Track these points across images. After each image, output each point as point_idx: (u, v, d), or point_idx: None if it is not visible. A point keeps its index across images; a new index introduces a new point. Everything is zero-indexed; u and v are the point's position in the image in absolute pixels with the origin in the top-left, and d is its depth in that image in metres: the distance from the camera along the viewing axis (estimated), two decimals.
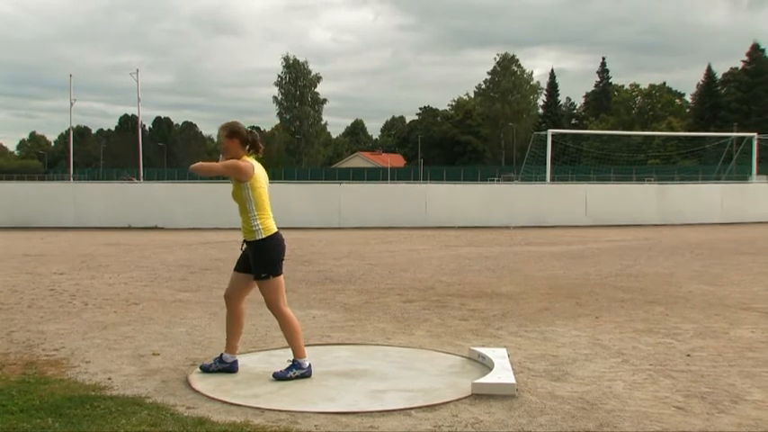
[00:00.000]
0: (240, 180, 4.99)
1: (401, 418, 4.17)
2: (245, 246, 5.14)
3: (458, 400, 4.51)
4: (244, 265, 5.18)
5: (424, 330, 6.72)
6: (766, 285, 9.68)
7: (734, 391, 4.75)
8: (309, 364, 5.07)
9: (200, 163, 5.16)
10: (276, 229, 5.13)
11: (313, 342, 6.18)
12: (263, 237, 5.02)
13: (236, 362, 5.20)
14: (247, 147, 5.08)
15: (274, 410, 4.29)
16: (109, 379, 4.96)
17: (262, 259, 5.03)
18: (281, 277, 5.09)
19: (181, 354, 5.76)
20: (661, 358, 5.65)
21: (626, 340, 6.29)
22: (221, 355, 5.20)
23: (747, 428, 4.04)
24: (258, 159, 5.20)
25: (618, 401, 4.50)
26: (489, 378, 4.77)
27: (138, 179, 43.17)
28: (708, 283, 9.88)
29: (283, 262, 5.14)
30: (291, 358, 5.07)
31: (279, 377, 4.98)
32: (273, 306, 5.09)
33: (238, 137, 5.05)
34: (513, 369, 5.00)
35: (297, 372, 5.00)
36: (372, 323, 7.07)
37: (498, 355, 5.29)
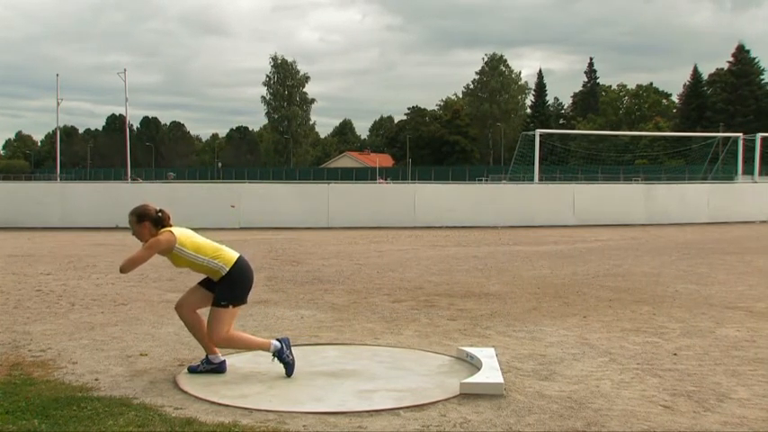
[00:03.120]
0: (168, 251, 5.00)
1: (389, 418, 4.17)
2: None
3: (446, 399, 4.52)
4: (208, 283, 5.19)
5: (412, 330, 6.72)
6: (751, 284, 9.75)
7: (720, 390, 4.78)
8: (223, 360, 5.18)
9: (123, 262, 5.08)
10: (237, 255, 5.19)
11: (301, 342, 6.18)
12: (228, 269, 5.07)
13: (223, 362, 5.19)
14: (159, 225, 5.07)
15: (262, 411, 4.28)
16: (96, 380, 4.94)
17: (226, 287, 5.07)
18: (238, 309, 5.16)
19: (169, 354, 5.74)
20: (648, 357, 5.68)
21: (613, 339, 6.33)
22: (207, 356, 5.20)
23: (733, 426, 4.07)
24: None
25: (605, 400, 4.53)
26: (477, 378, 4.78)
27: (134, 179, 43.03)
28: (694, 282, 9.95)
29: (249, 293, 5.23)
30: (271, 357, 5.11)
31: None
32: (216, 335, 5.06)
33: (148, 219, 5.05)
34: (501, 368, 5.01)
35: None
36: (361, 323, 7.07)
37: (486, 355, 5.31)
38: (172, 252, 5.02)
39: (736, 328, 6.87)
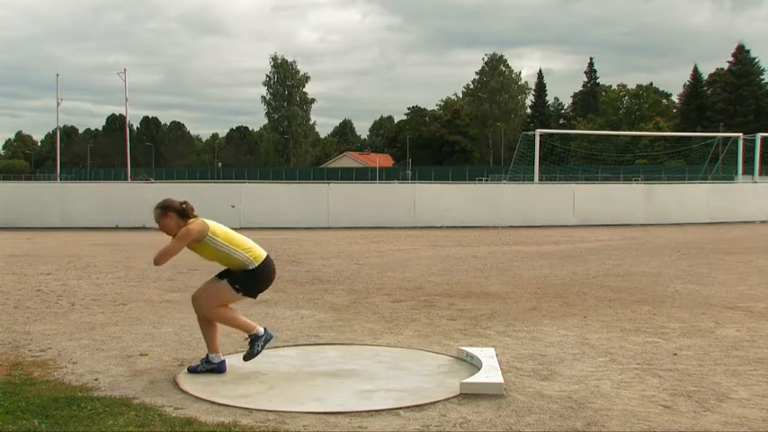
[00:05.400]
0: (200, 240, 5.00)
1: (389, 418, 4.17)
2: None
3: (446, 399, 4.52)
4: (226, 274, 5.21)
5: (412, 330, 6.72)
6: (751, 284, 9.75)
7: (720, 390, 4.78)
8: (223, 360, 5.20)
9: (156, 254, 5.04)
10: (265, 253, 5.22)
11: (301, 342, 6.18)
12: (257, 265, 5.10)
13: (223, 362, 5.19)
14: (184, 216, 5.08)
15: (262, 411, 4.28)
16: (96, 380, 4.94)
17: (246, 279, 5.09)
18: (243, 298, 5.20)
19: (169, 354, 5.73)
20: (648, 357, 5.68)
21: (613, 339, 6.33)
22: (207, 355, 5.20)
23: (733, 426, 4.07)
24: None
25: (605, 400, 4.53)
26: (477, 378, 4.78)
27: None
28: (694, 282, 9.95)
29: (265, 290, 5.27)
30: (246, 336, 5.20)
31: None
32: (206, 307, 5.13)
33: (172, 211, 5.06)
34: (501, 368, 5.01)
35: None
36: (361, 323, 7.07)
37: (486, 355, 5.31)
38: (203, 242, 5.01)
39: (736, 328, 6.87)
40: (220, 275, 5.25)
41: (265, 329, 5.23)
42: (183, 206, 5.08)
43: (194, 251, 5.14)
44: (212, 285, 5.19)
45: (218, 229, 5.11)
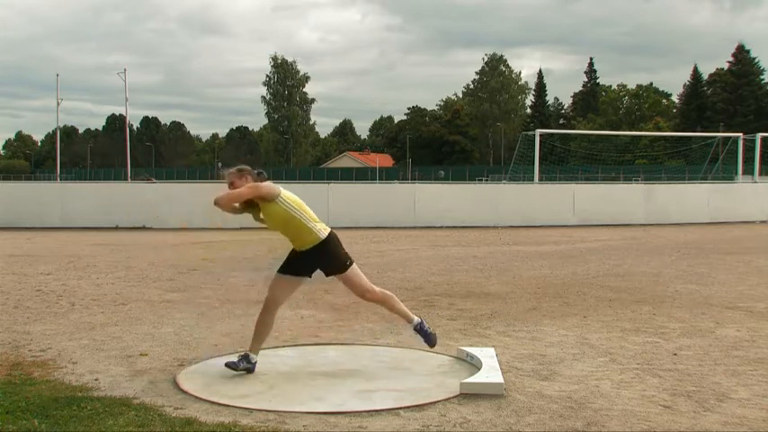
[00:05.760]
0: (269, 199, 4.97)
1: (389, 418, 4.17)
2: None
3: (446, 399, 4.52)
4: (296, 268, 5.15)
5: (412, 330, 6.71)
6: (751, 285, 9.75)
7: (720, 390, 4.78)
8: (420, 321, 5.38)
9: (220, 195, 5.01)
10: (329, 228, 5.22)
11: (301, 342, 6.18)
12: (326, 235, 5.09)
13: (255, 363, 5.17)
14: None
15: (262, 411, 4.28)
16: (96, 380, 4.94)
17: (338, 252, 5.13)
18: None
19: (169, 354, 5.73)
20: (648, 357, 5.68)
21: (613, 339, 6.33)
22: (248, 354, 5.13)
23: (733, 427, 4.07)
24: None
25: (605, 400, 4.53)
26: (477, 377, 4.79)
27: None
28: (694, 282, 9.95)
29: None
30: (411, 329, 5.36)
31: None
32: (366, 288, 5.26)
33: (248, 174, 5.09)
34: (501, 368, 5.02)
35: (422, 331, 5.33)
36: (361, 323, 7.07)
37: (486, 355, 5.31)
38: (273, 203, 4.97)
39: (736, 328, 6.87)
40: (287, 271, 5.16)
41: (420, 322, 5.42)
42: (259, 173, 5.13)
43: (264, 217, 5.08)
44: (350, 276, 5.21)
45: (291, 195, 5.09)
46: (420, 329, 5.32)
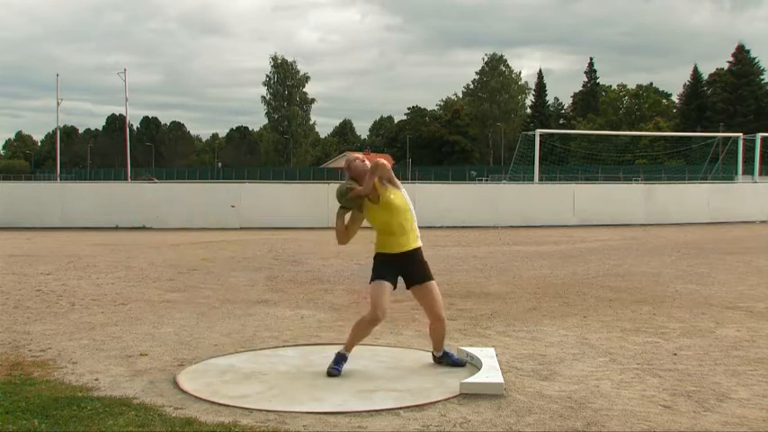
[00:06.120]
0: (397, 184, 5.11)
1: (389, 418, 4.17)
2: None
3: (446, 399, 4.52)
4: (386, 274, 5.16)
5: (412, 330, 6.73)
6: (751, 285, 9.75)
7: (720, 390, 4.78)
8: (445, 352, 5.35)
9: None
10: None
11: (302, 342, 6.18)
12: (420, 243, 5.22)
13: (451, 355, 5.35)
14: None
15: (262, 411, 4.28)
16: (96, 380, 4.94)
17: (425, 261, 5.23)
18: None
19: (169, 354, 5.73)
20: (648, 357, 5.68)
21: (613, 339, 6.33)
22: (345, 355, 5.18)
23: (733, 426, 4.07)
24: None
25: (605, 400, 4.53)
26: (477, 378, 4.79)
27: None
28: (694, 282, 9.95)
29: None
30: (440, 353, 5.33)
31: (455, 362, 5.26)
32: (442, 305, 5.25)
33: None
34: (501, 368, 5.02)
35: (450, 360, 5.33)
36: None
37: (486, 355, 5.31)
38: (397, 189, 5.09)
39: (736, 328, 6.87)
40: (385, 279, 5.15)
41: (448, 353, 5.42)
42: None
43: (379, 205, 5.12)
44: (432, 287, 5.19)
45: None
46: (447, 358, 5.34)
